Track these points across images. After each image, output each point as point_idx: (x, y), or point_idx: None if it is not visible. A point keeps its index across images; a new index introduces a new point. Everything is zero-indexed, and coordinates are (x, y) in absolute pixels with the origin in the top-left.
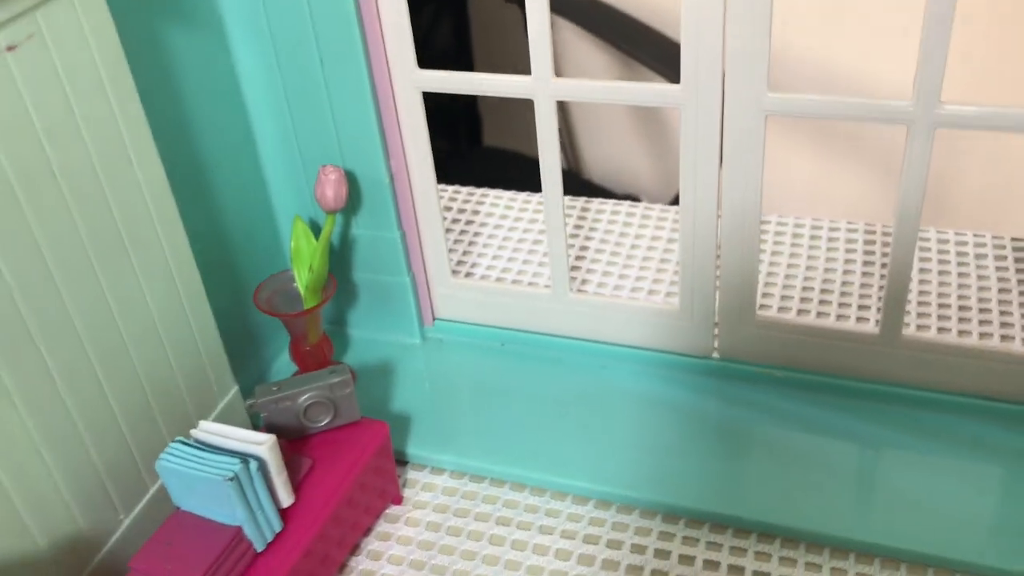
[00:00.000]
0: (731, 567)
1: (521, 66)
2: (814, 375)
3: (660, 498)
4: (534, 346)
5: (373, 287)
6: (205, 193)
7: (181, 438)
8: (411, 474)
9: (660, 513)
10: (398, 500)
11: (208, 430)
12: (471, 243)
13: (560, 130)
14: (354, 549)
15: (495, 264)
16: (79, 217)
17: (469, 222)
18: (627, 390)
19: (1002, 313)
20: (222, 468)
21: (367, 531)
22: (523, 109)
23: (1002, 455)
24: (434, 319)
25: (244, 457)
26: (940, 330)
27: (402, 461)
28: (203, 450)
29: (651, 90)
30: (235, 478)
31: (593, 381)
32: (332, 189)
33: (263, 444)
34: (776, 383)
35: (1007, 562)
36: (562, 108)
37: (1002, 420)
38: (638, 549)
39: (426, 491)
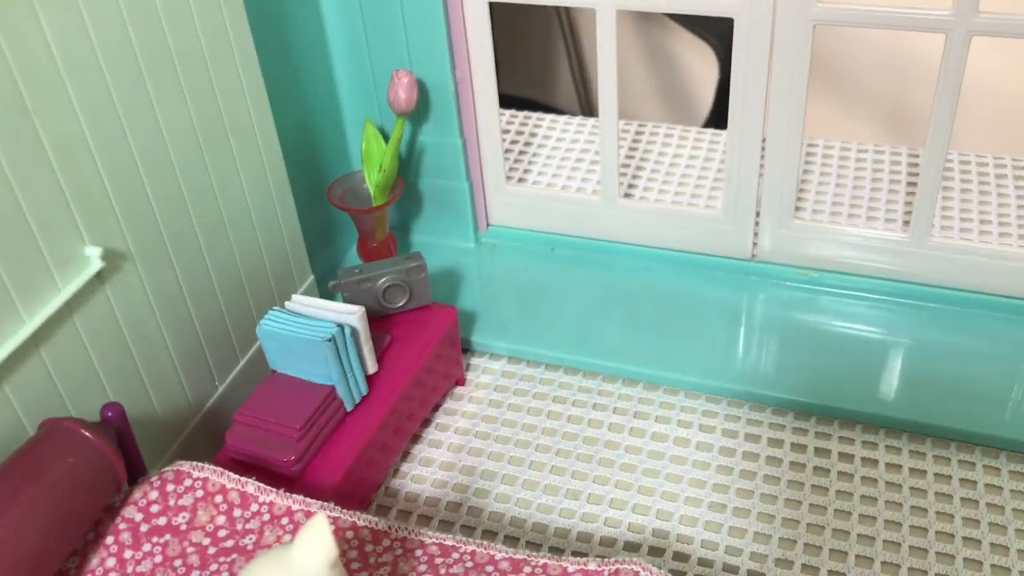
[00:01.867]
0: (770, 440)
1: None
2: (846, 275)
3: (705, 381)
4: (582, 250)
5: (433, 192)
6: (281, 93)
7: (277, 307)
8: (472, 361)
9: (703, 395)
10: (462, 381)
11: (301, 302)
12: (517, 160)
13: (575, 76)
14: (425, 423)
15: (540, 179)
16: (191, 99)
17: (514, 141)
18: (672, 288)
19: (1020, 221)
20: (320, 330)
21: (436, 407)
22: (539, 60)
23: (1019, 345)
24: (488, 225)
25: (338, 323)
26: (962, 238)
27: (463, 349)
28: (300, 317)
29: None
30: (332, 339)
31: (640, 280)
32: (405, 91)
33: (354, 314)
34: (811, 282)
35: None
36: (578, 51)
37: (1019, 315)
38: (684, 424)
39: (486, 374)
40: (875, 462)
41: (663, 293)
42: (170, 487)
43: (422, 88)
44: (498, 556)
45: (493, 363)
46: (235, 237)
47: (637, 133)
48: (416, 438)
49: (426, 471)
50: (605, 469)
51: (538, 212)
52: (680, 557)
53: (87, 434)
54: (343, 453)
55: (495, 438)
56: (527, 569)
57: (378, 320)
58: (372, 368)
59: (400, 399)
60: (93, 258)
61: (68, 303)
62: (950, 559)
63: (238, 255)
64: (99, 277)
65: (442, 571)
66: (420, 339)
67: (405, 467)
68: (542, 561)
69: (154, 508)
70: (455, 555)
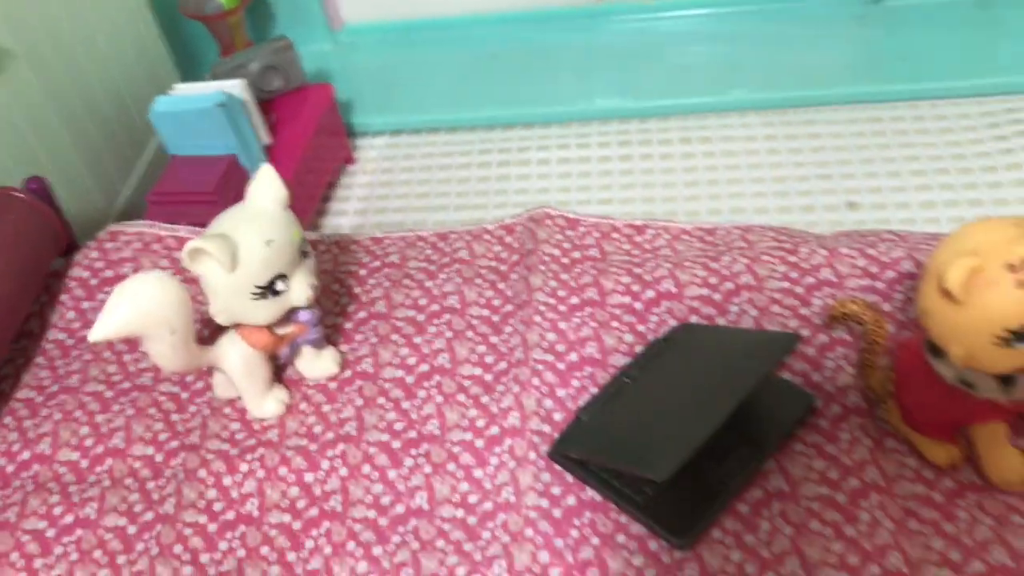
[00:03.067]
0: (640, 142)
1: None
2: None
3: (572, 108)
4: (438, 29)
5: (282, 0)
6: None
7: (162, 94)
8: (356, 143)
9: (574, 122)
10: (351, 159)
11: (183, 88)
12: None
13: None
14: (324, 199)
15: None
16: None
17: None
18: (530, 43)
19: None
20: (210, 99)
21: (331, 185)
22: None
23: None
24: (342, 23)
25: (224, 93)
26: None
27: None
28: (187, 96)
29: None
30: (224, 104)
31: (499, 44)
32: None
33: (236, 85)
34: (653, 10)
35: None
36: None
37: None
38: (562, 147)
39: (373, 150)
40: (732, 138)
41: (522, 49)
42: (108, 245)
43: None
44: (426, 233)
45: (376, 140)
46: (106, 46)
47: None
48: (320, 212)
49: None
50: (500, 197)
51: (387, 1)
52: None
53: (21, 195)
54: None
55: (395, 196)
56: (453, 236)
57: (260, 105)
58: (266, 139)
59: (298, 169)
60: None
61: None
62: (783, 194)
63: (113, 64)
64: None
65: (379, 253)
66: (303, 115)
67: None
68: (464, 228)
69: (98, 264)
70: (387, 242)
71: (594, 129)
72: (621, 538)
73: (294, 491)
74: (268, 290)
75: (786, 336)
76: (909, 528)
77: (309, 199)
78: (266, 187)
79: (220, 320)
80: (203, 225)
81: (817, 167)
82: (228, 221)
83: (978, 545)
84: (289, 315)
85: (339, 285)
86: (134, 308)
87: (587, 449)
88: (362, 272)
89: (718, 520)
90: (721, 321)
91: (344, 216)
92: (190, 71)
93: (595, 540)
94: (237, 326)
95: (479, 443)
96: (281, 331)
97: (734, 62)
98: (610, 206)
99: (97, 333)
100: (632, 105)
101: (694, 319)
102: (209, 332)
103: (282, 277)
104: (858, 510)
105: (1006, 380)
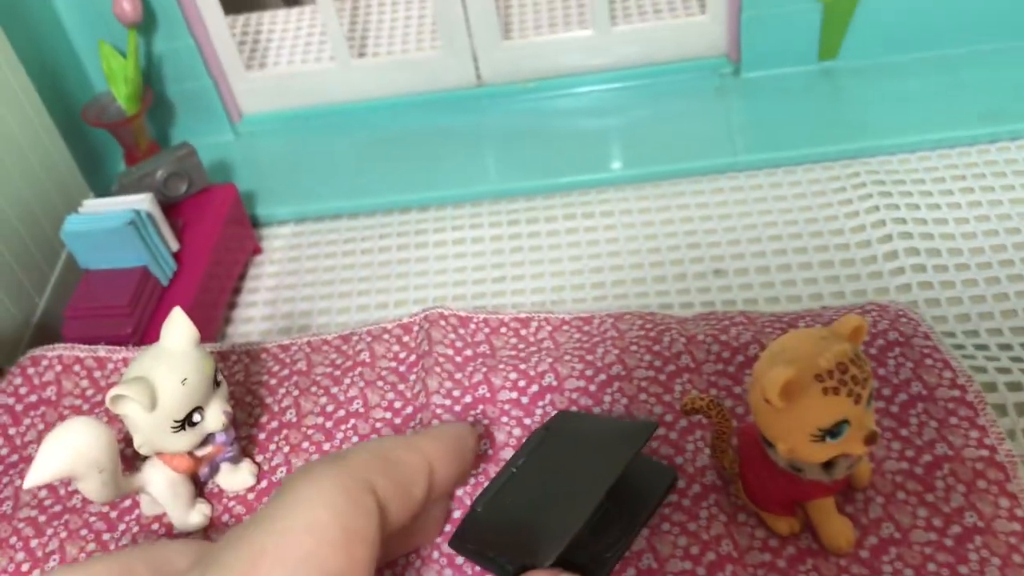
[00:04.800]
0: (528, 220)
1: None
2: (559, 78)
3: (463, 191)
4: (333, 115)
5: (182, 97)
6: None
7: (73, 212)
8: (262, 232)
9: (466, 203)
10: (258, 250)
11: (92, 204)
12: (253, 50)
13: None
14: (235, 291)
15: (279, 61)
16: None
17: (245, 33)
18: (419, 126)
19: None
20: (119, 218)
21: (240, 276)
22: None
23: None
24: (241, 116)
25: (134, 209)
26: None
27: (252, 224)
28: (96, 214)
29: None
30: (132, 222)
31: (390, 128)
32: (129, 3)
33: (144, 199)
34: (533, 91)
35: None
36: None
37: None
38: (457, 229)
39: (279, 240)
40: (611, 212)
41: (413, 133)
42: (31, 371)
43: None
44: (330, 336)
45: (281, 229)
46: (18, 173)
47: (353, 8)
48: (232, 305)
49: (248, 327)
50: (402, 280)
51: (283, 92)
52: None
53: None
54: None
55: (302, 285)
56: (355, 338)
57: (166, 210)
58: (175, 245)
59: (207, 270)
60: None
61: None
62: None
63: (20, 181)
64: None
65: (287, 361)
66: (209, 216)
67: (229, 330)
68: (365, 329)
69: (22, 390)
70: (294, 348)
71: (485, 209)
72: None
73: None
74: (186, 422)
75: (649, 423)
76: None
77: (220, 291)
78: (177, 328)
79: (144, 451)
80: (119, 337)
81: (687, 236)
82: (144, 362)
83: None
84: (207, 438)
85: (251, 396)
86: (64, 454)
87: (482, 541)
88: (272, 381)
89: None
90: (596, 410)
91: (254, 308)
92: (95, 175)
93: None
94: (159, 454)
95: None
96: (200, 453)
97: (610, 138)
98: (503, 284)
99: (31, 480)
100: (518, 185)
101: (572, 409)
102: (132, 456)
103: (198, 409)
104: None
105: (827, 465)
